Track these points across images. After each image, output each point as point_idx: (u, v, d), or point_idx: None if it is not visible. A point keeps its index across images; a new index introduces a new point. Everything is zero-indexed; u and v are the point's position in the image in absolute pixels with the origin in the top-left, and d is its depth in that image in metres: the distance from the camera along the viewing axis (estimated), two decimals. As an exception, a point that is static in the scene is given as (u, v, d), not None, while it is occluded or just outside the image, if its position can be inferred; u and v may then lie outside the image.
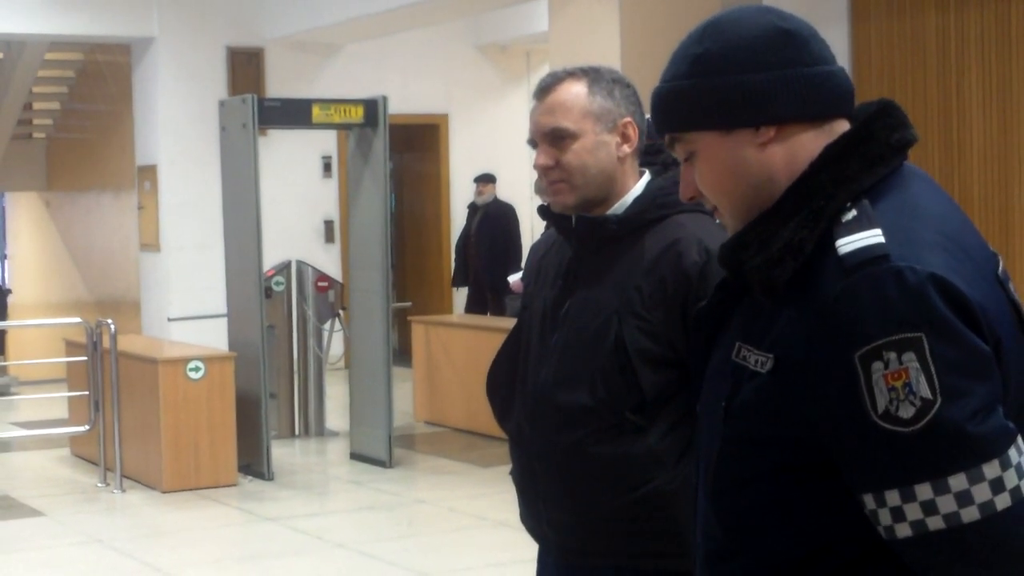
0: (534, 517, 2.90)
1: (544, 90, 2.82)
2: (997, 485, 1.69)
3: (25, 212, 17.67)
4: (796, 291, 1.79)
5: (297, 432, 10.36)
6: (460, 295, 14.01)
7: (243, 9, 13.22)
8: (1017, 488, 1.70)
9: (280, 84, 13.25)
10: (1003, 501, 1.69)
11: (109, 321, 8.90)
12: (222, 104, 9.35)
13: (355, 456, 9.40)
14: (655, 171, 2.89)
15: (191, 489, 8.46)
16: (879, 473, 1.72)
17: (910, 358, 1.68)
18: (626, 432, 2.73)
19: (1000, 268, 1.86)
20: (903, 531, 1.72)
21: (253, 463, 8.84)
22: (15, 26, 12.50)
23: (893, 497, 1.71)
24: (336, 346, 10.94)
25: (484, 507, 7.91)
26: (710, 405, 1.95)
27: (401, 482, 8.78)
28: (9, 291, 16.19)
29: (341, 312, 10.46)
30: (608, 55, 8.52)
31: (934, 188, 1.87)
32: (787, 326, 1.79)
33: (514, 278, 11.34)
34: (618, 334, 2.73)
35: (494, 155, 14.05)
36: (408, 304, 13.18)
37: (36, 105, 15.50)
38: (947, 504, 1.69)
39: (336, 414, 10.63)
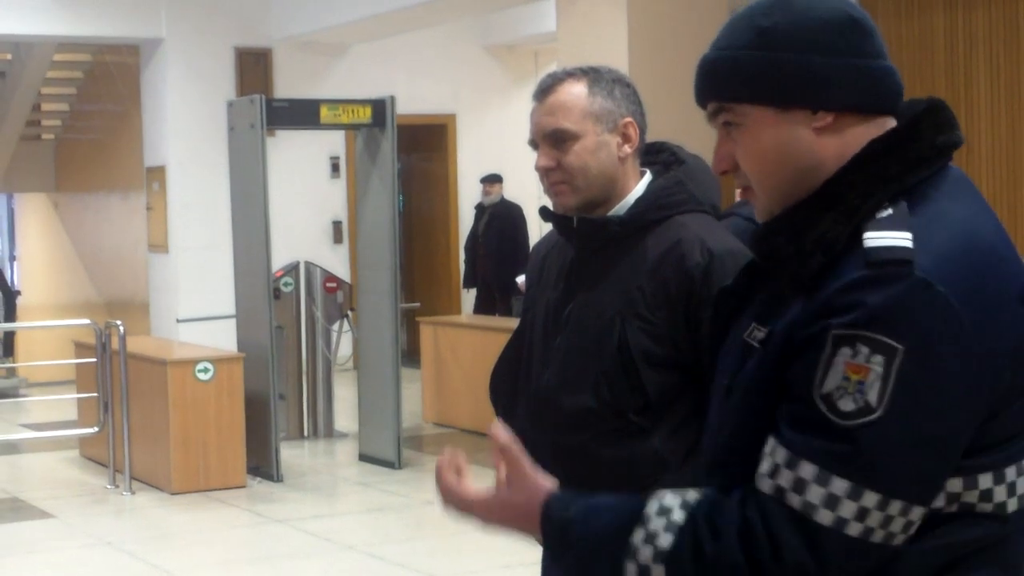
0: (538, 519, 2.88)
1: (544, 91, 2.79)
2: (863, 514, 1.66)
3: (34, 213, 17.69)
4: (817, 280, 1.77)
5: (306, 433, 10.35)
6: (468, 296, 13.99)
7: (251, 10, 13.22)
8: (871, 531, 1.67)
9: (288, 84, 13.25)
10: (855, 529, 1.66)
11: (118, 322, 8.89)
12: (230, 105, 9.35)
13: (364, 457, 9.39)
14: (656, 171, 2.87)
15: (200, 491, 8.47)
16: (786, 434, 1.71)
17: (878, 361, 1.65)
18: (630, 434, 2.72)
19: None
20: (764, 484, 1.71)
21: (262, 465, 8.84)
22: (23, 27, 12.51)
23: (780, 455, 1.70)
24: (345, 347, 10.94)
25: (492, 508, 7.89)
26: (718, 385, 1.94)
27: (410, 483, 8.77)
28: (18, 292, 16.19)
29: (349, 313, 10.46)
30: (616, 55, 8.50)
31: (974, 196, 1.83)
32: (795, 306, 1.78)
33: (522, 279, 11.33)
34: (621, 336, 2.72)
35: (502, 155, 14.02)
36: (416, 305, 13.19)
37: (45, 106, 15.52)
38: (815, 494, 1.67)
39: (345, 415, 10.63)
